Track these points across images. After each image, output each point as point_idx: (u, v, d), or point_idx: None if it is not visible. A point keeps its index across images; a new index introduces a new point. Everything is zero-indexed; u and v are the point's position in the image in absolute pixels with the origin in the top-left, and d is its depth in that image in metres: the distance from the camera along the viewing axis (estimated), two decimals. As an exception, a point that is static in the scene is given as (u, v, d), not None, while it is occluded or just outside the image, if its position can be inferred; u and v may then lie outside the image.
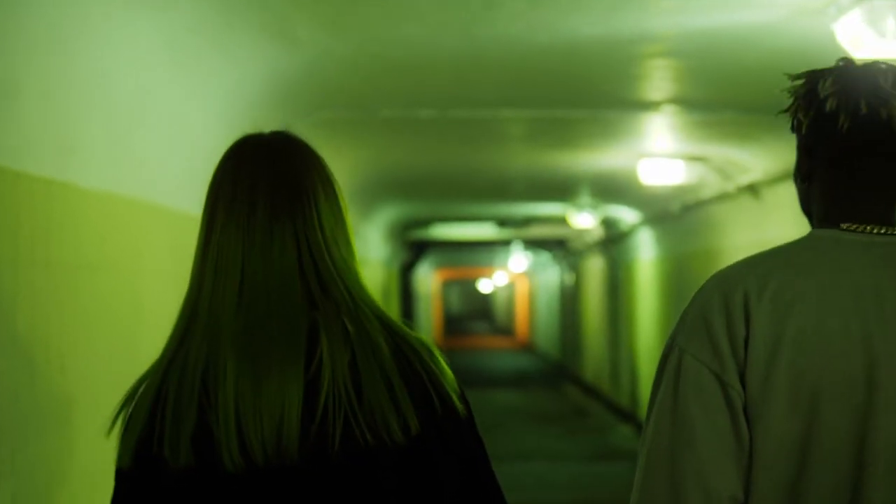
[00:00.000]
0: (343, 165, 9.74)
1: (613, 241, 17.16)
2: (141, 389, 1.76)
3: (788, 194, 8.76)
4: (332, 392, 1.69)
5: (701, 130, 8.02)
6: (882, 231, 1.81)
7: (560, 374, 25.23)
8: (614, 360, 17.35)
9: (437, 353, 1.78)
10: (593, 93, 6.64)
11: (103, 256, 4.07)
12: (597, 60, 5.68)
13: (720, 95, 6.73)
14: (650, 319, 14.05)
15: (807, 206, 1.91)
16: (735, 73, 5.98)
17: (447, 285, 50.88)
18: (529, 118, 7.42)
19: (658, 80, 6.27)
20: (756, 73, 5.95)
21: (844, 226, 1.82)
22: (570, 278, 23.77)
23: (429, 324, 31.35)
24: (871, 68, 1.83)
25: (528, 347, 36.65)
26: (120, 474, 1.76)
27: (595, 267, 19.88)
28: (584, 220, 14.83)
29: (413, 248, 23.14)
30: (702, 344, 1.76)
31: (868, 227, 1.81)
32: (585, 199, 14.37)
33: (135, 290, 4.54)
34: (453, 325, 50.23)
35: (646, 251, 14.86)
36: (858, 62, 1.84)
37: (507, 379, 24.05)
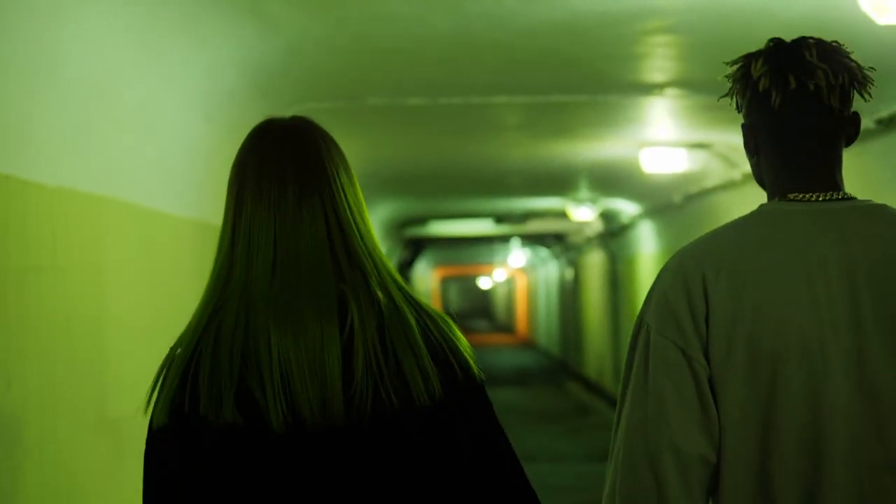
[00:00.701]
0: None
1: (613, 234, 16.80)
2: (176, 355, 1.80)
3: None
4: (365, 357, 1.76)
5: (705, 115, 7.64)
6: (827, 197, 1.92)
7: (561, 370, 24.92)
8: (616, 356, 17.00)
9: (454, 324, 1.88)
10: (592, 75, 6.26)
11: (57, 257, 3.70)
12: (595, 38, 5.31)
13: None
14: (653, 314, 13.65)
15: (759, 179, 2.03)
16: (745, 49, 5.60)
17: (446, 282, 50.72)
18: (525, 105, 7.04)
19: (660, 60, 5.89)
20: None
21: (791, 196, 1.94)
22: (569, 273, 23.45)
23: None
24: (799, 43, 1.93)
25: (528, 344, 36.36)
26: (154, 434, 1.77)
27: (595, 261, 19.54)
28: (583, 213, 14.49)
29: (411, 246, 22.89)
30: (667, 321, 1.88)
31: (812, 196, 1.93)
32: (584, 192, 14.03)
33: (97, 293, 4.16)
34: (455, 319, 49.66)
35: (647, 244, 14.50)
36: (788, 41, 1.95)
37: (507, 376, 23.69)
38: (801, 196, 1.94)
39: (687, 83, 6.46)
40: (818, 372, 1.85)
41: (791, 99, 1.94)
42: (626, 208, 14.87)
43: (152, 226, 4.86)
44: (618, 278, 16.94)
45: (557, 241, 22.90)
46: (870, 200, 1.95)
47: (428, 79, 6.31)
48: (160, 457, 1.78)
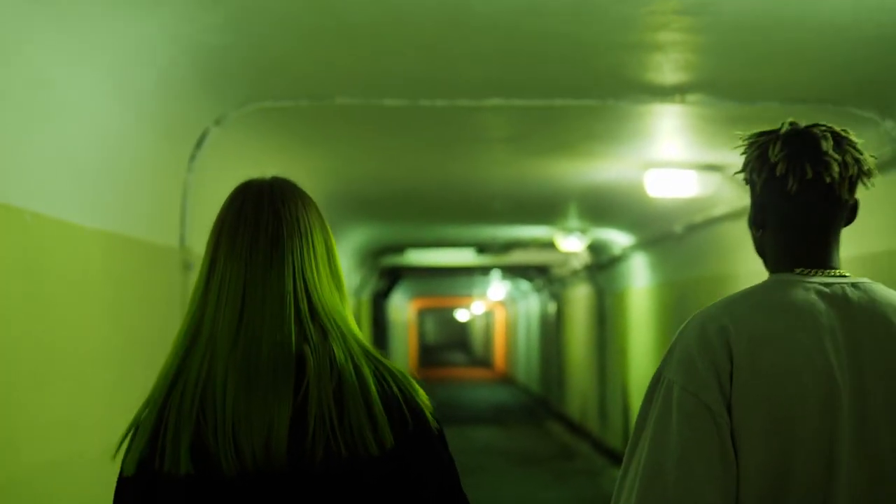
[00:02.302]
0: (297, 178, 8.30)
1: (601, 267, 15.89)
2: (146, 413, 1.90)
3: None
4: (317, 414, 1.86)
5: (724, 130, 6.64)
6: (830, 274, 2.10)
7: (541, 408, 24.03)
8: (602, 396, 16.05)
9: (411, 378, 1.98)
10: (602, 73, 5.26)
11: None
12: (612, 19, 4.33)
13: (757, 77, 5.37)
14: (645, 353, 12.74)
15: (761, 250, 2.19)
16: (781, 45, 4.62)
17: (423, 314, 50.25)
18: (520, 110, 6.02)
19: (687, 52, 4.90)
20: (811, 46, 4.63)
21: (798, 270, 2.10)
22: (552, 307, 22.54)
23: (404, 354, 30.38)
24: (814, 132, 2.07)
25: (506, 379, 35.55)
26: (123, 481, 1.92)
27: (580, 295, 18.64)
28: (571, 244, 13.54)
29: (387, 276, 22.07)
30: (691, 377, 1.99)
31: (818, 271, 2.10)
32: (574, 220, 13.08)
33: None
34: (429, 355, 49.75)
35: (639, 278, 13.55)
36: (801, 126, 2.10)
37: (485, 414, 22.71)
38: (807, 271, 2.09)
39: (712, 86, 5.46)
40: (831, 434, 1.97)
41: (806, 187, 2.06)
42: (618, 239, 13.95)
43: (45, 237, 3.82)
44: (605, 314, 16.06)
45: (540, 274, 22.07)
46: (864, 279, 2.11)
47: (408, 73, 5.30)
48: (126, 502, 1.92)
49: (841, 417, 1.97)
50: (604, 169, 8.42)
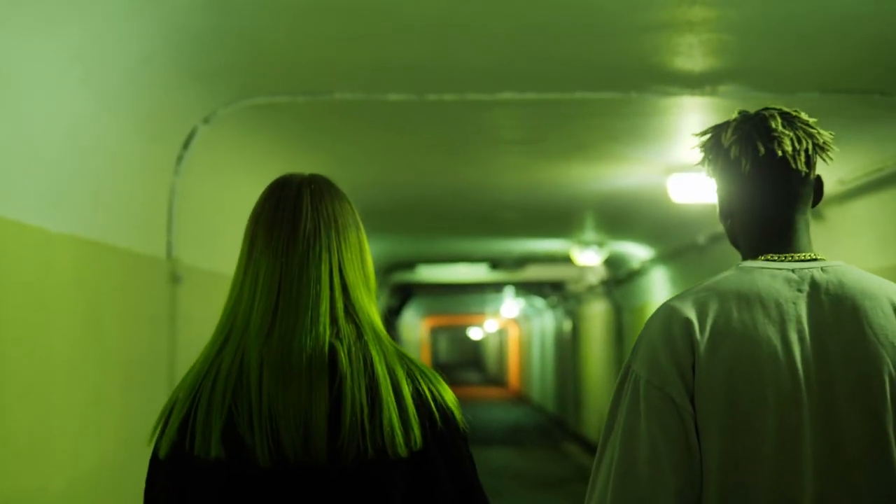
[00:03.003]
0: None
1: (619, 282, 15.37)
2: (180, 395, 1.93)
3: (866, 213, 6.93)
4: (350, 412, 1.86)
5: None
6: (799, 258, 2.09)
7: (557, 428, 23.49)
8: (621, 415, 15.46)
9: (440, 377, 1.99)
10: (629, 59, 4.77)
11: None
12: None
13: (796, 63, 4.88)
14: (667, 371, 12.18)
15: (734, 240, 2.20)
16: (825, 25, 4.13)
17: (435, 332, 49.95)
18: (535, 105, 5.53)
19: (712, 34, 4.42)
20: (859, 27, 4.16)
21: (764, 257, 2.10)
22: (567, 325, 22.03)
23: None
24: (762, 113, 2.12)
25: (521, 398, 35.02)
26: (156, 463, 1.94)
27: (596, 312, 18.14)
28: (588, 257, 13.05)
29: (398, 293, 21.65)
30: (655, 371, 2.01)
31: (786, 256, 2.09)
32: (590, 233, 12.59)
33: None
34: (442, 373, 49.09)
35: (659, 292, 13.04)
36: (751, 112, 2.14)
37: (499, 435, 22.17)
38: (775, 256, 2.09)
39: (747, 74, 4.97)
40: (791, 426, 1.98)
41: (760, 164, 2.09)
42: (637, 252, 13.46)
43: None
44: (623, 330, 15.54)
45: (555, 291, 21.61)
46: (839, 262, 2.09)
47: (414, 62, 4.82)
48: (159, 483, 1.94)
49: (802, 408, 1.98)
50: (624, 174, 7.93)
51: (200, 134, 5.28)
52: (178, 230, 5.30)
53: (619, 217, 10.90)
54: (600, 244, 13.18)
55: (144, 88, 4.59)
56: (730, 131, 2.10)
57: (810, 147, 2.09)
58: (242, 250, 1.95)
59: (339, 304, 1.91)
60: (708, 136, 2.15)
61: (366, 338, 1.91)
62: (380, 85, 5.16)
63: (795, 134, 2.08)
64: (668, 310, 2.05)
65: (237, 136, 5.70)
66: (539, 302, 25.88)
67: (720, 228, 9.51)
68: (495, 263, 16.76)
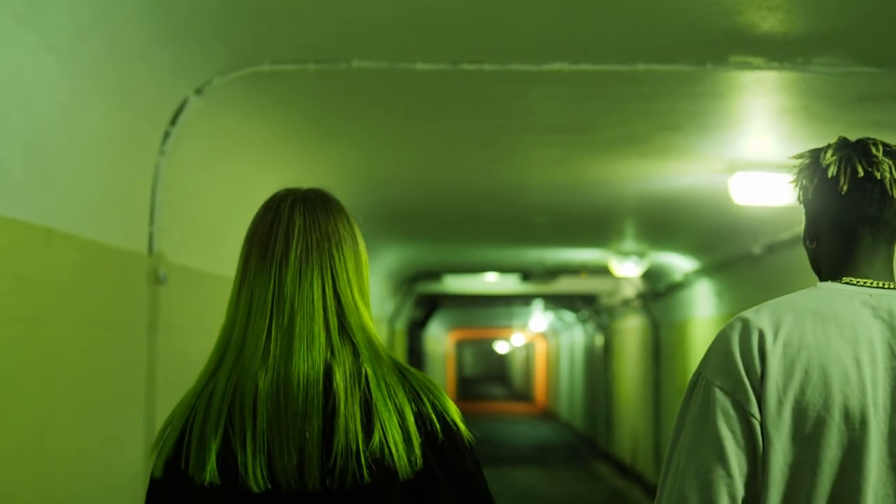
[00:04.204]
0: (313, 180, 6.97)
1: (657, 296, 14.50)
2: (176, 413, 1.91)
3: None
4: (345, 431, 1.84)
5: (842, 113, 5.28)
6: (879, 285, 2.09)
7: (587, 447, 22.69)
8: (657, 436, 14.64)
9: (441, 388, 1.95)
10: (690, 22, 3.91)
11: None
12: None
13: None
14: (711, 391, 11.31)
15: (816, 266, 2.19)
16: None
17: (461, 346, 49.59)
18: (584, 79, 4.68)
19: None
20: None
21: (846, 279, 2.09)
22: (599, 340, 21.19)
23: (441, 387, 29.14)
24: (864, 140, 2.12)
25: (547, 415, 34.35)
26: (153, 483, 1.92)
27: (631, 327, 17.32)
28: (628, 269, 12.21)
29: (423, 305, 20.97)
30: (727, 378, 2.04)
31: (866, 282, 2.09)
32: (630, 242, 11.75)
33: None
34: (467, 387, 49.06)
35: (703, 307, 12.18)
36: (851, 139, 2.15)
37: (526, 453, 21.34)
38: (856, 280, 2.09)
39: (851, 42, 4.10)
40: (856, 445, 1.99)
41: (858, 186, 2.07)
42: (679, 264, 12.59)
43: None
44: (661, 347, 14.69)
45: (586, 304, 20.78)
46: None
47: (448, 21, 3.98)
48: (156, 501, 1.93)
49: (868, 428, 2.00)
50: (678, 171, 7.06)
51: (192, 107, 4.45)
52: (162, 221, 4.47)
53: (664, 224, 10.05)
54: (640, 255, 12.34)
55: (122, 49, 3.77)
56: (830, 152, 2.11)
57: None
58: (238, 271, 1.95)
59: (334, 325, 1.90)
60: (805, 158, 2.15)
61: (362, 357, 1.89)
62: (407, 51, 4.33)
63: (894, 162, 2.09)
64: (741, 321, 2.08)
65: (236, 111, 4.87)
66: (569, 316, 25.20)
67: (780, 237, 8.69)
68: (526, 274, 15.95)
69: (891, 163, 2.08)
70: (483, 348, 56.46)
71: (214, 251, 5.25)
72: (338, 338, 1.89)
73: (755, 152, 6.40)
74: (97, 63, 3.69)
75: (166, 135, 4.42)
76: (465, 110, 5.39)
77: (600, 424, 21.26)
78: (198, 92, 4.44)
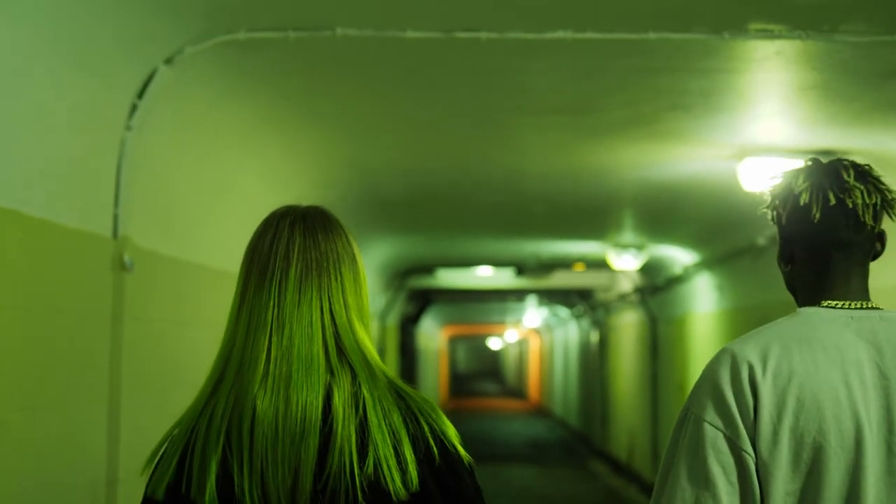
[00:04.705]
0: (300, 166, 6.61)
1: (655, 290, 14.16)
2: (175, 433, 1.91)
3: None
4: (340, 453, 1.84)
5: (865, 90, 4.93)
6: (858, 306, 2.10)
7: (582, 445, 22.43)
8: (654, 433, 14.32)
9: (439, 410, 1.93)
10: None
11: None
12: None
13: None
14: (712, 388, 10.97)
15: (791, 287, 2.21)
16: None
17: (454, 342, 49.45)
18: (589, 49, 4.32)
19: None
20: None
21: (825, 303, 2.11)
22: (594, 336, 20.87)
23: (434, 385, 29.00)
24: (835, 164, 2.14)
25: (541, 411, 34.12)
26: (149, 502, 1.90)
27: (627, 322, 17.01)
28: (626, 262, 11.88)
29: (416, 300, 20.64)
30: (717, 413, 2.03)
31: (845, 303, 2.10)
32: (628, 234, 11.41)
33: None
34: (460, 384, 48.86)
35: (703, 301, 11.86)
36: (824, 160, 2.16)
37: (520, 451, 21.03)
38: (835, 303, 2.11)
39: (885, 4, 3.75)
40: (855, 466, 2.00)
41: (830, 213, 2.10)
42: (679, 256, 12.24)
43: None
44: (659, 343, 14.37)
45: (581, 299, 20.44)
46: (894, 311, 2.12)
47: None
48: None
49: (865, 451, 2.01)
50: (684, 157, 6.71)
51: (161, 78, 4.08)
52: (130, 203, 4.09)
53: (665, 214, 9.71)
54: (639, 247, 12.00)
55: (83, 8, 3.40)
56: (802, 177, 2.13)
57: (879, 202, 2.11)
58: (237, 288, 1.95)
59: (332, 345, 1.91)
60: (779, 180, 2.17)
61: (359, 379, 1.90)
62: (396, 17, 3.96)
63: (866, 188, 2.11)
64: (727, 353, 2.06)
65: (211, 88, 4.50)
66: (563, 311, 24.90)
67: (786, 228, 8.32)
68: (521, 268, 15.61)
69: (862, 188, 2.10)
70: (476, 344, 56.32)
71: (190, 238, 4.88)
72: (336, 360, 1.90)
73: (767, 136, 6.04)
74: (54, 21, 3.32)
75: (133, 108, 4.05)
76: (459, 87, 5.02)
77: (595, 422, 20.96)
78: (168, 62, 4.06)
